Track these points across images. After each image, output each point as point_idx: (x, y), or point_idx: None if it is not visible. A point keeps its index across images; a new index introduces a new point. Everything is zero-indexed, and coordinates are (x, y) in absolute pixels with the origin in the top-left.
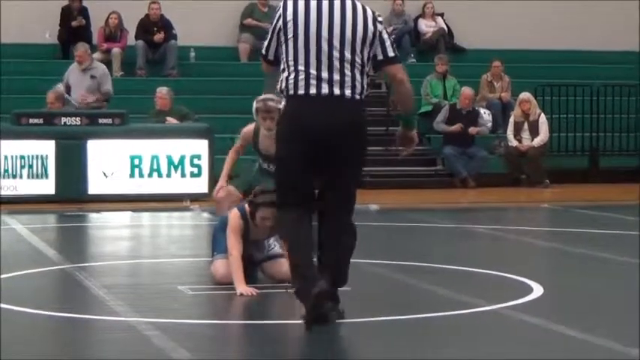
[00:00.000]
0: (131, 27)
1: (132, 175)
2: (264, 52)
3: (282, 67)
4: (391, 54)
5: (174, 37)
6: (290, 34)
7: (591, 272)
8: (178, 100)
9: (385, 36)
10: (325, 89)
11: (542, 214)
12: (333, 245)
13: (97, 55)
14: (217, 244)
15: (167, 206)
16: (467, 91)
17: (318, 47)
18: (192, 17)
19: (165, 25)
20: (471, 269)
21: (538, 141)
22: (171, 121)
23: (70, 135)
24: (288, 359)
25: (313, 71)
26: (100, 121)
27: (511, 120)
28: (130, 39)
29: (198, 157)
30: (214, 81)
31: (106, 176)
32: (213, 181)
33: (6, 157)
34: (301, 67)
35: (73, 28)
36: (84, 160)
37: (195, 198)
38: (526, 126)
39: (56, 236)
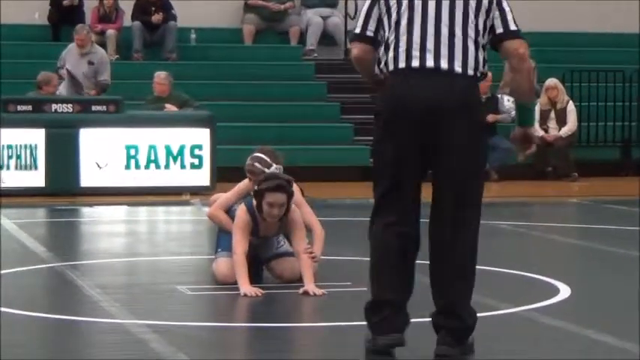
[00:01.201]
0: (127, 7)
1: (127, 167)
2: (359, 30)
3: (386, 39)
4: (513, 27)
5: (174, 17)
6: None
7: (623, 272)
8: (178, 86)
9: (506, 5)
10: (430, 61)
11: (570, 210)
12: (442, 259)
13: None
14: (221, 240)
15: (165, 200)
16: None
17: (424, 15)
18: None
19: (164, 5)
20: (492, 269)
21: (566, 131)
22: (170, 108)
23: (61, 123)
24: None
25: (417, 40)
26: (94, 108)
27: (537, 108)
28: (126, 20)
29: (199, 147)
30: (216, 65)
31: (100, 167)
32: (214, 172)
33: None
34: (403, 38)
35: (65, 8)
36: (76, 150)
37: (195, 191)
38: (553, 115)
39: (46, 232)
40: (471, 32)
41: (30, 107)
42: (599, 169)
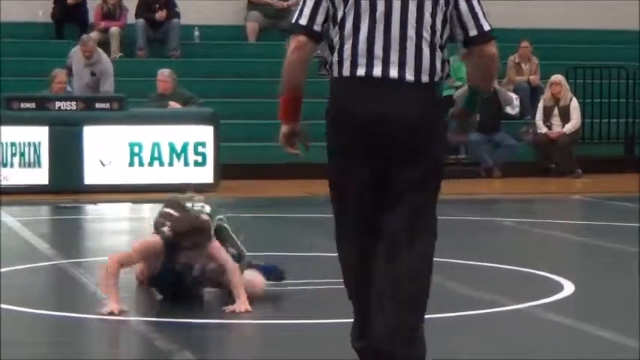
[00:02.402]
0: (131, 5)
1: (131, 164)
2: (305, 20)
3: (333, 38)
4: (487, 27)
5: (177, 15)
6: None
7: (626, 269)
8: (181, 83)
9: (475, 2)
10: (378, 70)
11: (573, 206)
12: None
13: (93, 34)
14: None
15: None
16: None
17: (372, 13)
18: None
19: (167, 3)
20: (496, 265)
21: (569, 127)
22: (173, 105)
23: (65, 120)
24: None
25: (363, 45)
26: (97, 105)
27: (540, 105)
28: (130, 17)
29: (203, 144)
30: (220, 62)
31: (104, 165)
32: (218, 170)
33: None
34: (349, 41)
35: (68, 6)
36: (79, 147)
37: (199, 188)
38: (556, 111)
39: (50, 229)
40: (426, 33)
41: (33, 105)
42: (602, 165)
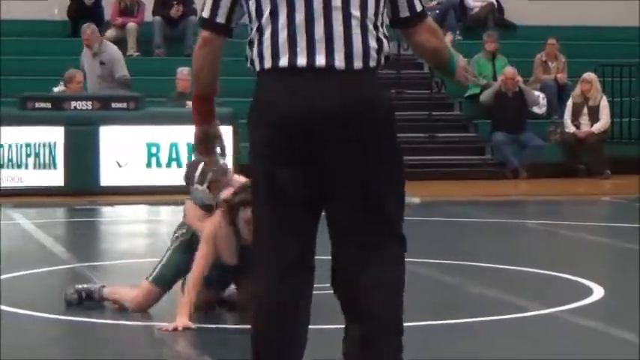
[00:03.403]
0: (148, 3)
1: (148, 165)
2: (207, 13)
3: (251, 32)
4: (419, 7)
5: (194, 11)
6: None
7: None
8: None
9: None
10: (302, 58)
11: (602, 208)
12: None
13: (110, 31)
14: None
15: (187, 199)
16: (509, 70)
17: None
18: None
19: None
20: (523, 269)
21: (598, 127)
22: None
23: (81, 120)
24: None
25: (283, 32)
26: (114, 105)
27: (569, 103)
28: (147, 15)
29: None
30: (239, 60)
31: (120, 166)
32: (237, 170)
33: (10, 146)
34: (268, 29)
35: (84, 3)
36: (96, 148)
37: None
38: (585, 110)
39: (65, 232)
40: (355, 10)
41: (49, 104)
42: (632, 166)
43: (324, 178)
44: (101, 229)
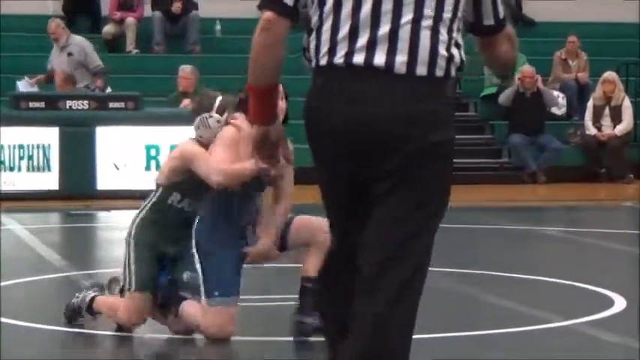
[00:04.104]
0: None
1: (147, 168)
2: None
3: (310, 21)
4: (502, 15)
5: (195, 6)
6: None
7: None
8: (201, 81)
9: None
10: (380, 59)
11: (624, 214)
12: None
13: (108, 27)
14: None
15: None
16: (527, 68)
17: None
18: None
19: None
20: (541, 278)
21: (621, 129)
22: (187, 104)
23: (77, 121)
24: None
25: (364, 28)
26: (111, 105)
27: (590, 104)
28: (147, 11)
29: None
30: (243, 58)
31: (118, 169)
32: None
33: (2, 147)
34: (328, 21)
35: None
36: (92, 150)
37: None
38: (607, 111)
39: (60, 238)
40: (429, 10)
41: (43, 104)
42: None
43: (369, 184)
44: (98, 235)
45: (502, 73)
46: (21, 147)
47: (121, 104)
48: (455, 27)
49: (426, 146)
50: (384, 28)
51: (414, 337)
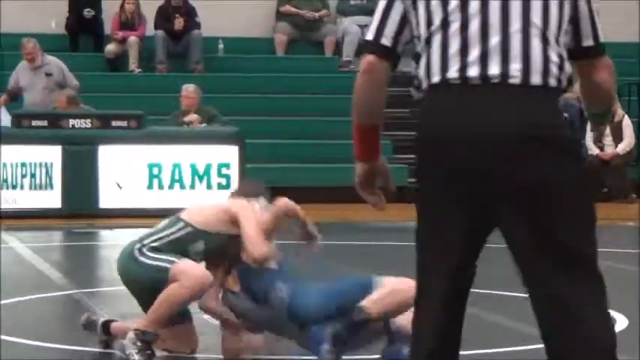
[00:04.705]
0: (150, 16)
1: (150, 187)
2: (372, 35)
3: (418, 46)
4: (601, 37)
5: (198, 25)
6: None
7: None
8: (204, 100)
9: (595, 6)
10: (494, 70)
11: (626, 234)
12: None
13: (110, 46)
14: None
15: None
16: None
17: (484, 4)
18: (220, 4)
19: (187, 12)
20: None
21: (623, 147)
22: (192, 118)
23: (79, 140)
24: None
25: (474, 41)
26: (114, 123)
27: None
28: (149, 29)
29: (227, 165)
30: (246, 77)
31: (120, 187)
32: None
33: (5, 165)
34: (452, 34)
35: (83, 17)
36: (95, 168)
37: None
38: (608, 130)
39: (63, 257)
40: (536, 19)
41: (45, 122)
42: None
43: (492, 204)
44: (100, 253)
45: (601, 108)
46: (23, 165)
47: (124, 123)
48: (561, 38)
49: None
50: (495, 39)
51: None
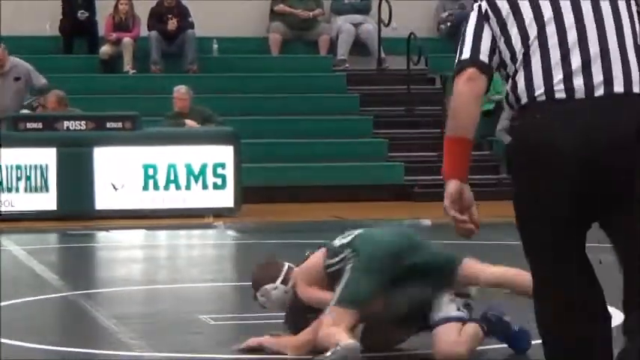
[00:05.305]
0: (143, 17)
1: (145, 188)
2: (468, 54)
3: (514, 63)
4: None
5: (192, 25)
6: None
7: None
8: (199, 100)
9: None
10: (598, 79)
11: None
12: None
13: (105, 47)
14: None
15: (186, 223)
16: None
17: (577, 11)
18: (214, 4)
19: (181, 12)
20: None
21: None
22: (190, 124)
23: (74, 141)
24: None
25: (574, 52)
26: (109, 125)
27: None
28: (143, 30)
29: (222, 165)
30: (241, 77)
31: (116, 189)
32: (239, 193)
33: (0, 168)
34: (552, 47)
35: (77, 19)
36: (90, 170)
37: (218, 213)
38: None
39: (58, 259)
40: (627, 29)
41: (40, 125)
42: None
43: (602, 204)
44: (96, 255)
45: None
46: (18, 168)
47: (119, 124)
48: None
49: None
50: (595, 51)
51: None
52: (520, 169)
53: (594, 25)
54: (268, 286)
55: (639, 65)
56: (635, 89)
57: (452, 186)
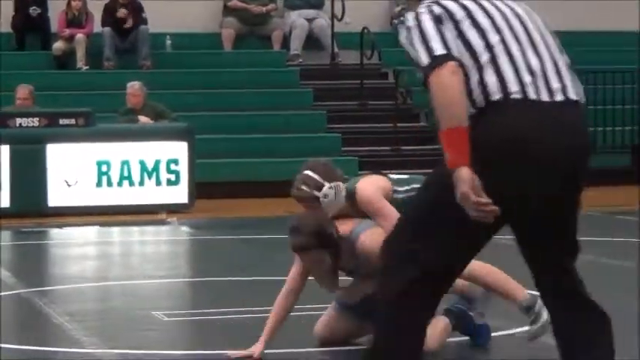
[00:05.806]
0: (97, 13)
1: (99, 184)
2: (441, 50)
3: (478, 59)
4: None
5: (145, 21)
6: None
7: (634, 287)
8: (153, 96)
9: None
10: (556, 85)
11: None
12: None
13: (58, 44)
14: None
15: (140, 219)
16: None
17: (514, 35)
18: (167, 0)
19: (134, 8)
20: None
21: None
22: (143, 120)
23: (27, 138)
24: None
25: (521, 61)
26: (61, 121)
27: None
28: (97, 26)
29: (176, 161)
30: (194, 73)
31: (69, 185)
32: (193, 189)
33: None
34: (503, 58)
35: (30, 15)
36: (43, 167)
37: (172, 209)
38: None
39: (11, 256)
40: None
41: None
42: (608, 176)
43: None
44: (50, 252)
45: None
46: None
47: (72, 121)
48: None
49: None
50: (549, 63)
51: None
52: (488, 164)
53: (544, 47)
54: (338, 184)
55: (571, 75)
56: (577, 97)
57: (465, 172)
